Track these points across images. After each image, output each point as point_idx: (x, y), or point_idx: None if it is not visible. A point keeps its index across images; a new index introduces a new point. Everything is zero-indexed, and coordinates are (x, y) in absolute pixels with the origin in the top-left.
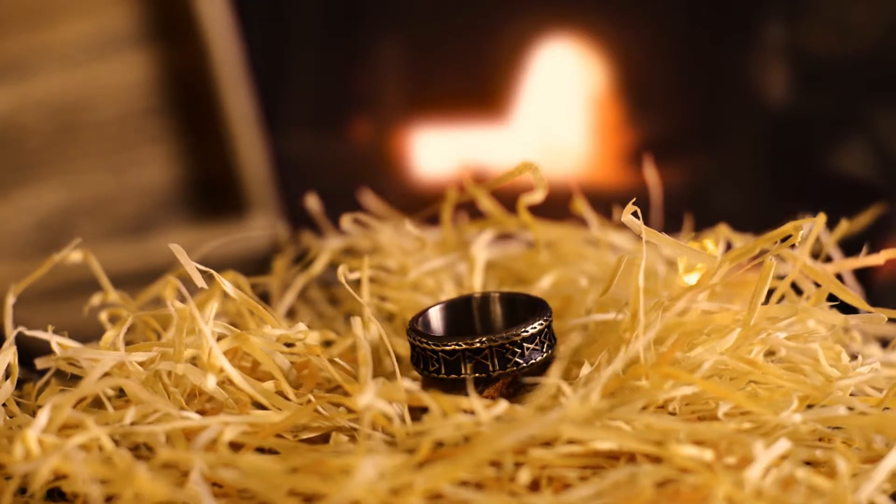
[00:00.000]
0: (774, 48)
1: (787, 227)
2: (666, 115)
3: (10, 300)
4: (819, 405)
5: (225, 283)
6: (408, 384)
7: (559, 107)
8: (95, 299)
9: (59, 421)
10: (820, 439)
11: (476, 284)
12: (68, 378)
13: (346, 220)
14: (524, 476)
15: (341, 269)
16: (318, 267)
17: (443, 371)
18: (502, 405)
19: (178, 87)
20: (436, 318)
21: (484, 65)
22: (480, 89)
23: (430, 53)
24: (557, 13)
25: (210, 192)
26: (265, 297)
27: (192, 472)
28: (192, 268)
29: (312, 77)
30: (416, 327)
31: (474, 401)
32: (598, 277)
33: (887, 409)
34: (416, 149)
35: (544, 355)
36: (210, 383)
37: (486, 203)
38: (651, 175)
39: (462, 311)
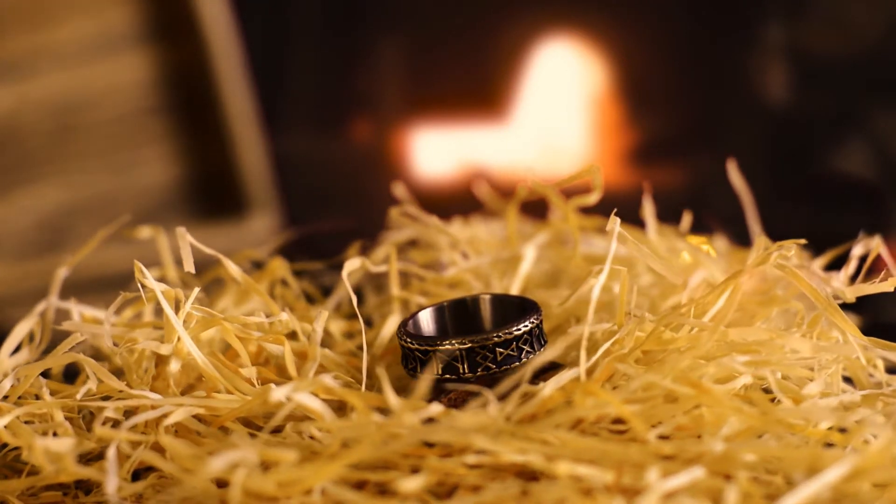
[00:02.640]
0: (774, 48)
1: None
2: (666, 115)
3: (62, 272)
4: (754, 435)
5: (232, 266)
6: (327, 380)
7: (559, 107)
8: (152, 275)
9: (22, 389)
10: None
11: (515, 285)
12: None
13: (395, 213)
14: (413, 483)
15: (347, 265)
16: (379, 257)
17: (419, 370)
18: (432, 408)
19: (178, 86)
20: (432, 318)
21: (484, 65)
22: (480, 89)
23: (430, 53)
24: (557, 13)
25: (210, 192)
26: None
27: (109, 449)
28: (187, 254)
29: (312, 77)
30: (408, 327)
31: (391, 400)
32: (652, 283)
33: (831, 444)
34: (416, 149)
35: (523, 360)
36: (173, 367)
37: (559, 203)
38: (737, 180)
39: (458, 312)
